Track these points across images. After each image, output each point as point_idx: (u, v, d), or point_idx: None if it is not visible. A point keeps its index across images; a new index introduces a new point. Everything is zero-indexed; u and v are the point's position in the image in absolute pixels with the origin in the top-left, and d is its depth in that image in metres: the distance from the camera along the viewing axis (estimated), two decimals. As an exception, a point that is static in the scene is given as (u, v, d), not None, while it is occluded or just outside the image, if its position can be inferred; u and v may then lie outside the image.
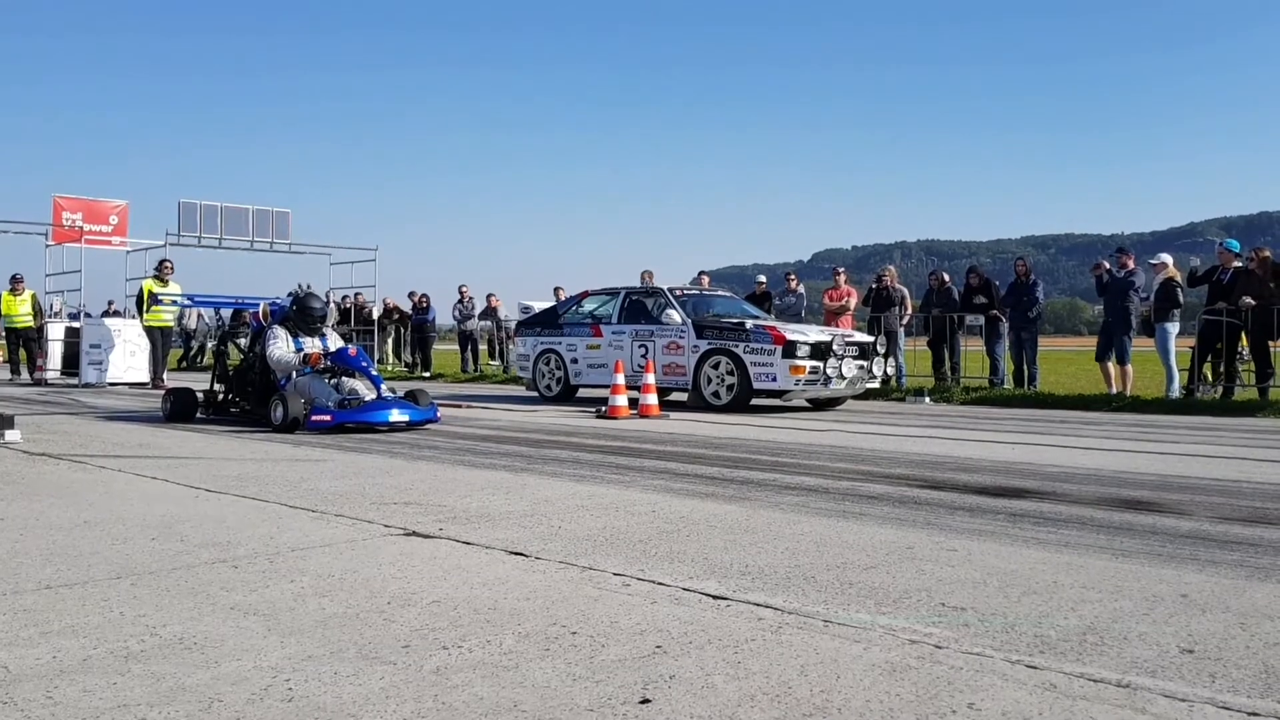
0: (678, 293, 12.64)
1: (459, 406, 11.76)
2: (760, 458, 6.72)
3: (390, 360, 23.30)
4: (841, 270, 16.81)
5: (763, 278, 17.35)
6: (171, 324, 17.63)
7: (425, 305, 22.23)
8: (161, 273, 16.64)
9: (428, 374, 20.96)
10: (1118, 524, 4.25)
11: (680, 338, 11.81)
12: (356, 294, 22.84)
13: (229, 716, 2.04)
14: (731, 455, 6.88)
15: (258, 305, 10.32)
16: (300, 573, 3.30)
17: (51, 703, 2.11)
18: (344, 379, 9.06)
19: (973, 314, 14.63)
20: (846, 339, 11.64)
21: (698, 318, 11.97)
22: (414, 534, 3.98)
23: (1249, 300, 11.57)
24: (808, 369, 10.90)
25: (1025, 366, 14.08)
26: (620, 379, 10.67)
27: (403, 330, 23.24)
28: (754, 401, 11.46)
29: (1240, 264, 12.29)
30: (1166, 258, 13.20)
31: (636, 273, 17.43)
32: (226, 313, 20.14)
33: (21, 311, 18.37)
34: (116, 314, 21.22)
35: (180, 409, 9.60)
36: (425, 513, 4.46)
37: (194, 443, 7.64)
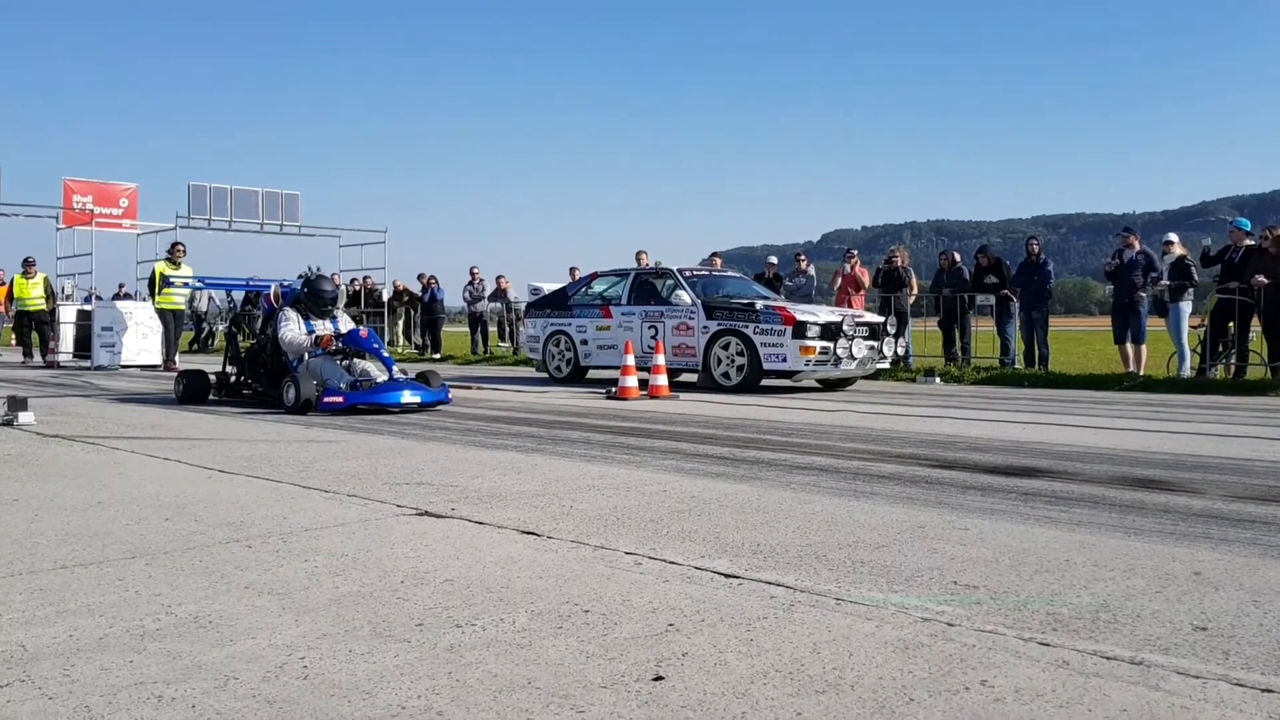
0: (687, 274, 12.59)
1: (469, 388, 11.78)
2: (770, 438, 6.72)
3: (400, 342, 23.34)
4: (855, 251, 16.76)
5: (773, 259, 17.30)
6: (183, 307, 17.68)
7: (433, 287, 22.23)
8: (173, 255, 16.66)
9: (437, 355, 20.99)
10: (1130, 503, 4.24)
11: (690, 319, 11.75)
12: (366, 276, 22.87)
13: (245, 694, 2.05)
14: (742, 435, 6.88)
15: (269, 287, 10.27)
16: (314, 552, 3.32)
17: (69, 680, 2.13)
18: (355, 361, 9.05)
19: (983, 294, 14.57)
20: (857, 319, 11.56)
21: (708, 299, 11.92)
22: (426, 514, 4.00)
23: (1262, 279, 11.50)
24: (818, 349, 10.83)
25: (1036, 346, 14.04)
26: (630, 360, 10.66)
27: (412, 312, 23.27)
28: (764, 382, 11.44)
29: (1252, 243, 12.22)
30: (1174, 237, 13.16)
31: (648, 254, 17.43)
32: (238, 295, 20.21)
33: (34, 294, 18.43)
34: (127, 296, 21.29)
35: (193, 391, 9.60)
36: (437, 493, 4.47)
37: (206, 424, 7.67)
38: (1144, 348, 13.02)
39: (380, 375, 8.89)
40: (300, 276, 9.72)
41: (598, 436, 6.81)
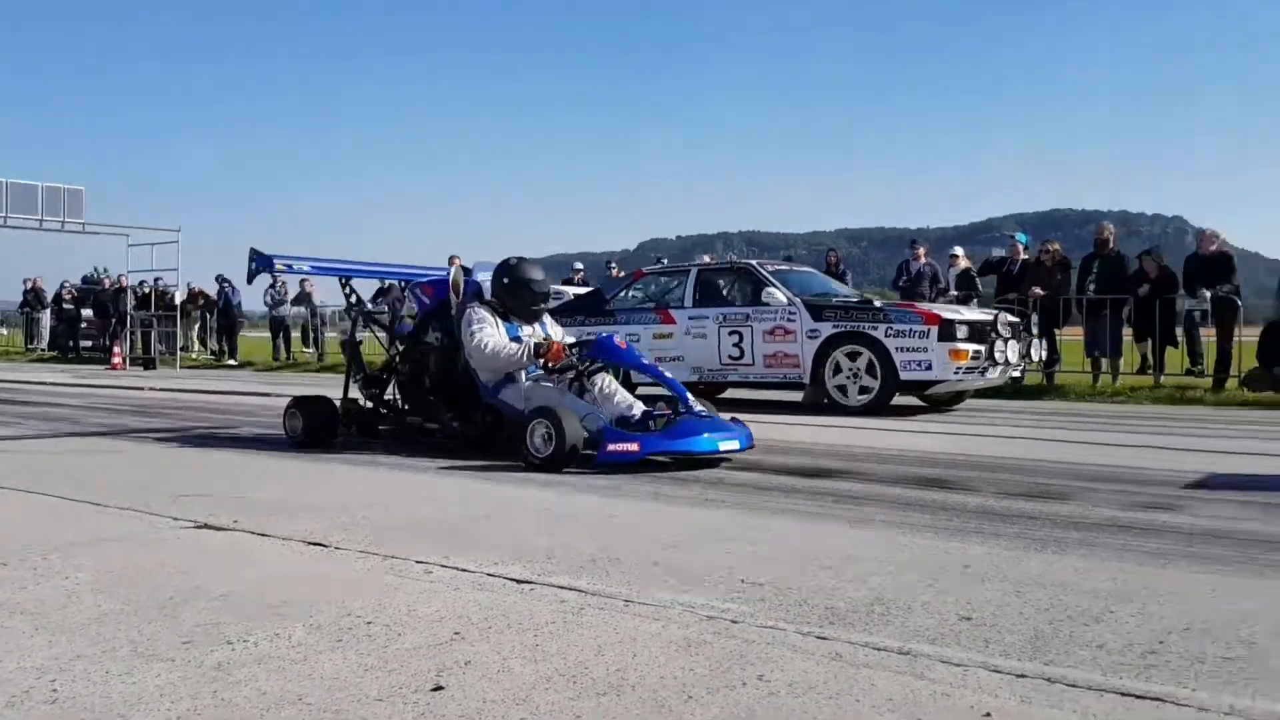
0: (770, 268, 10.28)
1: (268, 396, 11.32)
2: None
3: (195, 348, 22.26)
4: (664, 260, 17.07)
5: (579, 265, 17.45)
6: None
7: (228, 290, 21.27)
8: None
9: (234, 362, 20.13)
10: (912, 501, 4.44)
11: (790, 321, 9.42)
12: (157, 278, 21.68)
13: (-20, 724, 1.89)
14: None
15: (427, 276, 6.81)
16: (76, 569, 3.09)
17: None
18: (593, 381, 5.98)
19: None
20: (1006, 319, 9.81)
21: (807, 297, 9.71)
22: (206, 526, 3.79)
23: (1038, 290, 12.30)
24: (969, 353, 8.82)
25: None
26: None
27: (208, 316, 22.20)
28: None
29: (1026, 256, 13.09)
30: (960, 250, 14.13)
31: (460, 258, 17.19)
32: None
33: None
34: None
35: (317, 426, 6.45)
36: (220, 505, 4.25)
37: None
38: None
39: (637, 406, 5.86)
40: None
41: (393, 443, 6.63)
